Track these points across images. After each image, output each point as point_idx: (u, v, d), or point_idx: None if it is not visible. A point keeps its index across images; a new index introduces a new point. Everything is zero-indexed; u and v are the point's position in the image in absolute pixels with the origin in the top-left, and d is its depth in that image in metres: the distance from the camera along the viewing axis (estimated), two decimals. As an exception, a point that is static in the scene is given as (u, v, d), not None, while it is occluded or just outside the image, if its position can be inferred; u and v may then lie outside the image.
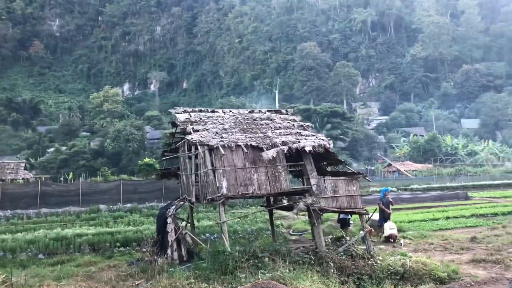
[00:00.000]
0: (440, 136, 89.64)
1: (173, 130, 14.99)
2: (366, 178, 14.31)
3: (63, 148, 77.20)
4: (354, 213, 14.31)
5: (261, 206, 18.58)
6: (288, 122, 14.93)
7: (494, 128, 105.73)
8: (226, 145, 12.64)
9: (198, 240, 14.92)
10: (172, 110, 14.70)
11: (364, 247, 14.29)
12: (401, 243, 16.63)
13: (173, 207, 14.85)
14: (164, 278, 10.94)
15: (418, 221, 22.13)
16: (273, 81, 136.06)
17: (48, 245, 16.46)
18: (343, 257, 12.98)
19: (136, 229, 18.71)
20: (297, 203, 13.12)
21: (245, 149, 12.63)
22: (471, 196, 35.18)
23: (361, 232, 18.04)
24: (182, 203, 15.21)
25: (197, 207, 24.31)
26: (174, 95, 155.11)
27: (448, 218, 23.31)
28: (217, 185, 12.40)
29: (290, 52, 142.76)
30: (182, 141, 14.76)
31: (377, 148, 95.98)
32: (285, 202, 15.79)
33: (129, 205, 27.86)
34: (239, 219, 21.66)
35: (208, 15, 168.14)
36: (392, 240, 17.20)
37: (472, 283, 10.39)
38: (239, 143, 12.80)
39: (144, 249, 15.96)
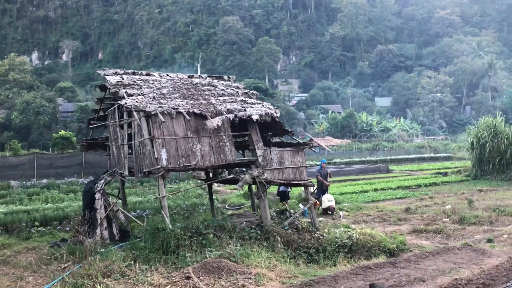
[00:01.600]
0: (356, 113, 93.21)
1: (102, 95, 13.33)
2: (312, 149, 13.79)
3: (-38, 120, 69.59)
4: (300, 185, 13.77)
5: (199, 179, 17.50)
6: (232, 89, 13.91)
7: (404, 106, 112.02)
8: (166, 112, 11.39)
9: (132, 217, 13.59)
10: (100, 72, 13.05)
11: (307, 219, 13.88)
12: (340, 215, 16.51)
13: (102, 181, 13.34)
14: (98, 260, 9.62)
15: (349, 193, 22.38)
16: (195, 55, 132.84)
17: (-51, 227, 14.24)
18: (289, 231, 12.43)
19: (56, 206, 16.84)
20: (242, 176, 12.26)
21: (187, 117, 11.47)
22: (392, 170, 36.66)
23: (301, 205, 17.74)
24: (111, 177, 13.73)
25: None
26: (88, 66, 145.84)
27: (376, 190, 23.89)
28: (156, 156, 11.17)
29: (212, 26, 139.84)
30: (112, 108, 13.19)
31: (297, 124, 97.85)
32: (225, 175, 14.91)
33: (45, 181, 25.32)
34: (170, 195, 20.43)
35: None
36: (330, 212, 17.05)
37: (426, 253, 10.27)
38: (180, 110, 11.61)
39: (68, 228, 14.38)
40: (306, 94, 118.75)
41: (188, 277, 8.44)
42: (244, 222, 12.40)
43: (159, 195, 11.41)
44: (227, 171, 15.32)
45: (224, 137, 12.09)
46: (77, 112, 71.30)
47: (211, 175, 15.11)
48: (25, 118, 66.71)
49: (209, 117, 11.78)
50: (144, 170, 11.60)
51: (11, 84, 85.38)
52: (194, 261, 9.54)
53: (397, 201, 20.34)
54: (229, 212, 17.96)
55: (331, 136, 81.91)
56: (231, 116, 11.98)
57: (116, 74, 12.77)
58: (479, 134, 28.29)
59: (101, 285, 8.23)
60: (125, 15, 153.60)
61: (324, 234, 12.39)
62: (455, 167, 34.97)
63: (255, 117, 12.09)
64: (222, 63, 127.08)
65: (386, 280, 8.25)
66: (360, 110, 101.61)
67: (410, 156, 49.14)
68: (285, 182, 13.10)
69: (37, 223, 14.71)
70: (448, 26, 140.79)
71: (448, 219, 15.24)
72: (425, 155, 50.22)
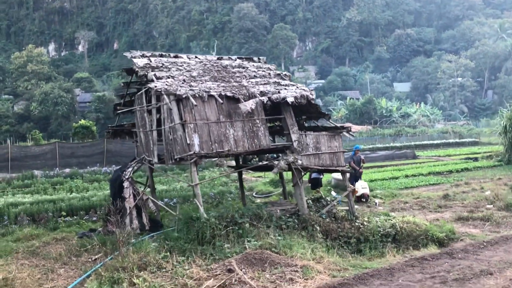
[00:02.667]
0: (375, 99, 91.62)
1: (129, 79, 12.75)
2: (350, 133, 13.05)
3: (-18, 112, 70.16)
4: (337, 171, 13.06)
5: (228, 166, 16.93)
6: (263, 71, 13.21)
7: (424, 91, 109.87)
8: (197, 95, 10.75)
9: (164, 206, 13.06)
10: (127, 54, 12.47)
11: (344, 208, 13.20)
12: (375, 203, 15.78)
13: (130, 169, 12.82)
14: (131, 252, 9.09)
15: (379, 180, 21.60)
16: (210, 43, 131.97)
17: (-24, 217, 13.92)
18: (327, 220, 11.77)
19: (81, 196, 16.45)
20: (277, 162, 11.60)
21: (219, 100, 10.82)
22: (418, 155, 35.67)
23: (334, 192, 17.06)
24: (139, 165, 13.20)
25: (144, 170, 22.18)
26: (104, 57, 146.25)
27: (407, 176, 23.07)
28: (188, 142, 10.56)
29: (227, 13, 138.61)
30: (139, 93, 12.60)
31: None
32: (256, 161, 14.28)
33: (67, 170, 25.04)
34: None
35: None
36: (364, 200, 16.34)
37: (484, 243, 9.52)
38: (212, 93, 10.96)
39: (94, 218, 13.95)
40: (323, 81, 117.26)
41: (230, 270, 7.86)
42: (280, 211, 11.77)
43: (192, 182, 10.81)
44: (257, 158, 14.70)
45: (257, 121, 11.42)
46: (94, 102, 71.35)
47: (241, 162, 14.50)
48: (43, 109, 67.07)
49: (242, 100, 11.11)
50: (176, 157, 11.01)
51: (29, 76, 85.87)
52: (233, 252, 8.95)
53: (431, 187, 19.50)
54: (258, 200, 17.36)
55: (350, 122, 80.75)
56: (264, 98, 11.29)
57: (143, 56, 12.17)
58: (513, 117, 27.11)
59: (138, 278, 7.69)
60: (139, 4, 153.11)
61: (365, 223, 11.68)
62: (485, 152, 33.82)
63: (290, 100, 11.39)
64: (238, 51, 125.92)
65: (447, 272, 7.56)
66: (379, 96, 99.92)
67: (435, 142, 47.89)
68: (322, 168, 12.38)
69: (63, 213, 14.32)
70: (468, 9, 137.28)
71: (492, 205, 14.40)
72: (450, 141, 48.92)
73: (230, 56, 13.92)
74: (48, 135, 61.40)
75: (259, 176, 24.48)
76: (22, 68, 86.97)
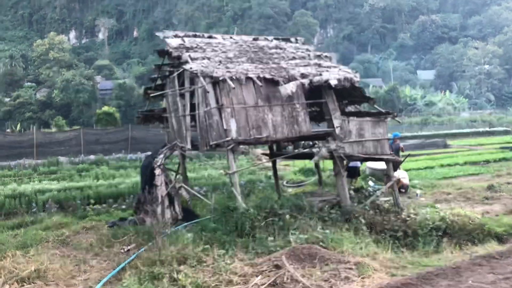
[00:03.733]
0: (399, 87, 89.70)
1: (161, 62, 12.10)
2: (396, 119, 12.23)
3: (7, 99, 70.86)
4: (382, 159, 12.27)
5: (262, 154, 16.26)
6: (303, 52, 12.44)
7: (449, 79, 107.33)
8: (234, 77, 10.05)
9: (198, 194, 12.47)
10: (159, 34, 11.83)
11: (386, 198, 12.42)
12: (416, 194, 14.94)
13: (162, 156, 12.22)
14: (168, 243, 8.52)
15: (414, 170, 20.65)
16: (230, 30, 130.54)
17: (4, 204, 13.54)
18: (371, 212, 11.02)
19: (108, 183, 16.00)
20: (318, 150, 10.87)
21: (258, 82, 10.10)
22: (449, 144, 34.48)
23: (371, 182, 16.27)
24: (171, 151, 12.61)
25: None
26: (124, 44, 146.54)
27: (442, 165, 22.07)
28: (225, 127, 9.91)
29: (247, 0, 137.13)
30: (171, 76, 11.96)
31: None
32: (290, 148, 13.57)
33: (92, 157, 24.74)
34: (221, 171, 19.29)
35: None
36: (403, 190, 15.47)
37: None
38: (250, 75, 10.25)
39: (124, 206, 13.46)
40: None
41: (278, 266, 7.21)
42: (320, 202, 11.07)
43: (229, 170, 10.15)
44: (292, 145, 13.98)
45: (297, 105, 10.70)
46: (115, 90, 71.41)
47: (275, 149, 13.80)
48: (65, 96, 67.39)
49: (282, 83, 10.38)
50: (211, 143, 10.38)
51: (51, 63, 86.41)
52: (277, 246, 8.30)
53: (471, 177, 18.54)
54: (290, 190, 16.69)
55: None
56: (306, 81, 10.55)
57: (176, 36, 11.50)
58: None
59: (179, 274, 7.09)
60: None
61: (411, 215, 10.88)
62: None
63: (333, 82, 10.61)
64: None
65: (524, 274, 6.77)
66: (403, 84, 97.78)
67: (465, 131, 46.40)
68: (366, 156, 11.60)
69: (92, 201, 13.87)
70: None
71: (544, 198, 13.45)
72: (480, 129, 47.36)
73: (266, 37, 13.17)
74: (70, 122, 61.65)
75: (286, 165, 23.76)
76: (44, 55, 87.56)
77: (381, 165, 16.19)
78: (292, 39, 13.54)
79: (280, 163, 24.31)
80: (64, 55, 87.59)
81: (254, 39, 12.70)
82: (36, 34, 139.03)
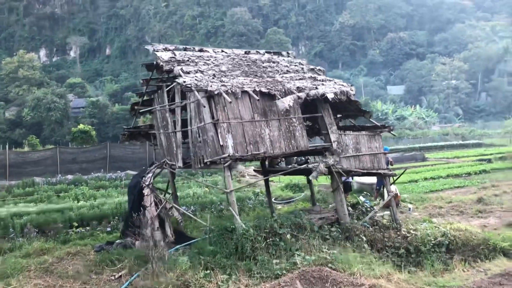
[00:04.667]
0: (370, 102, 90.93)
1: (149, 76, 11.58)
2: (392, 132, 12.03)
3: (-27, 118, 68.27)
4: (380, 174, 12.00)
5: (255, 170, 15.79)
6: (296, 65, 12.15)
7: (418, 94, 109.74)
8: (230, 91, 9.65)
9: (191, 215, 11.88)
10: (149, 47, 11.30)
11: (384, 213, 12.16)
12: (409, 208, 14.75)
13: (150, 174, 11.64)
14: (165, 269, 7.94)
15: (398, 184, 20.49)
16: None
17: (-22, 230, 12.61)
18: (370, 229, 10.71)
19: (90, 204, 15.19)
20: (316, 165, 10.51)
21: (255, 96, 9.72)
22: (427, 158, 34.82)
23: (362, 197, 15.99)
24: (160, 169, 12.03)
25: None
26: (96, 62, 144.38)
27: (426, 179, 22.11)
28: (221, 143, 9.46)
29: (220, 18, 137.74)
30: (160, 90, 11.47)
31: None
32: (283, 164, 13.19)
33: (70, 176, 23.69)
34: (206, 188, 18.73)
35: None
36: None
37: None
38: (246, 89, 9.86)
39: (109, 229, 12.76)
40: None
41: (289, 290, 6.74)
42: (319, 219, 10.68)
43: (226, 188, 9.67)
44: (284, 161, 13.60)
45: (294, 120, 10.36)
46: (88, 108, 69.90)
47: (267, 165, 13.39)
48: (36, 114, 65.39)
49: (278, 97, 10.03)
50: (206, 160, 9.89)
51: (21, 81, 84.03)
52: (283, 269, 7.83)
53: (457, 190, 18.57)
54: (279, 207, 16.28)
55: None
56: (303, 94, 10.23)
57: (166, 50, 11.04)
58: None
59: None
60: (131, 9, 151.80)
61: (411, 231, 10.63)
62: (496, 153, 33.05)
63: (330, 96, 10.34)
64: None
65: (545, 290, 6.53)
66: (373, 99, 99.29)
67: (439, 144, 47.17)
68: (363, 171, 11.32)
69: (75, 224, 13.06)
70: (460, 12, 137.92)
71: (536, 209, 13.45)
72: (454, 142, 48.25)
73: (257, 50, 12.85)
74: (42, 141, 59.67)
75: (271, 180, 23.35)
76: (13, 73, 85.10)
77: (369, 179, 16.00)
78: (284, 53, 13.27)
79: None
80: (34, 73, 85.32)
81: (246, 53, 12.37)
82: (4, 52, 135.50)
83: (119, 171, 24.20)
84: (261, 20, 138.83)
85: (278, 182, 22.02)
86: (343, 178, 14.95)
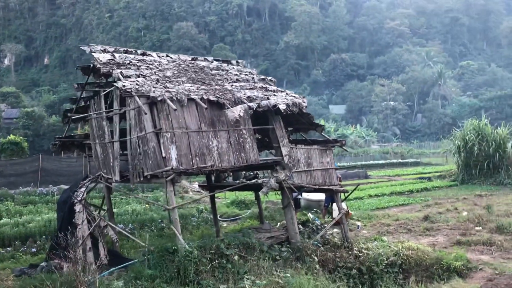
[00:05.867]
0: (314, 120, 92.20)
1: (85, 80, 10.49)
2: (343, 147, 11.63)
3: None
4: (331, 190, 11.53)
5: (200, 185, 14.83)
6: (246, 74, 11.53)
7: (358, 114, 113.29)
8: (175, 98, 8.83)
9: (128, 234, 10.77)
10: (85, 48, 10.28)
11: (334, 231, 11.68)
12: (357, 226, 14.40)
13: (83, 189, 10.50)
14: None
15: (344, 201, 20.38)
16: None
17: None
18: (321, 248, 10.16)
19: (14, 222, 13.65)
20: (266, 180, 9.86)
21: (202, 104, 8.95)
22: (370, 175, 35.30)
23: (310, 215, 15.52)
24: (94, 183, 10.91)
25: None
26: (33, 71, 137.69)
27: (370, 196, 22.13)
28: (163, 154, 8.58)
29: (165, 31, 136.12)
30: (96, 96, 10.44)
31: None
32: (230, 179, 12.46)
33: (-6, 191, 21.56)
34: (147, 205, 17.57)
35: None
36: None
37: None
38: (192, 96, 9.09)
39: (34, 250, 11.41)
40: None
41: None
42: (268, 238, 10.00)
43: (168, 204, 8.77)
44: (231, 176, 12.86)
45: (244, 131, 9.68)
46: (22, 118, 65.83)
47: (213, 180, 12.59)
48: (-37, 124, 60.77)
49: (228, 106, 9.34)
50: (146, 174, 8.96)
51: None
52: (232, 294, 7.04)
53: (402, 208, 18.60)
54: (225, 225, 15.46)
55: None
56: (253, 105, 9.59)
57: (105, 51, 10.06)
58: (466, 137, 27.21)
59: None
60: (73, 19, 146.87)
61: (364, 250, 10.18)
62: (435, 172, 34.06)
63: (282, 107, 9.77)
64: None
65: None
66: (317, 118, 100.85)
67: (380, 162, 48.29)
68: (314, 187, 10.79)
69: (-7, 244, 11.58)
70: (397, 37, 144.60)
71: (480, 228, 13.49)
72: (394, 161, 49.66)
73: (205, 57, 12.12)
74: (-33, 153, 55.28)
75: (216, 197, 22.48)
76: None
77: (317, 196, 15.60)
78: (233, 62, 12.63)
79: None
80: (-39, 81, 79.63)
81: (193, 59, 11.61)
82: None
83: (51, 186, 22.39)
84: (208, 35, 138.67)
85: (223, 198, 21.21)
86: (294, 194, 14.49)
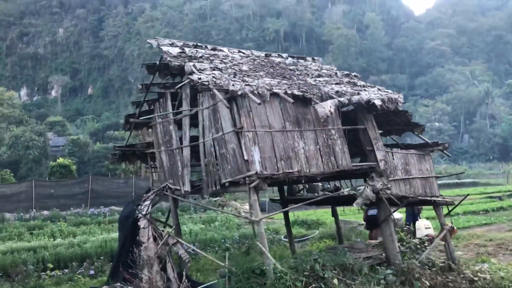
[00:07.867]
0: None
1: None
2: (445, 152, 10.07)
3: None
4: (431, 203, 9.90)
5: (272, 200, 13.38)
6: (328, 70, 10.21)
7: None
8: (256, 93, 7.55)
9: (205, 254, 9.42)
10: (152, 41, 9.21)
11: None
12: (449, 246, 12.52)
13: (148, 202, 9.30)
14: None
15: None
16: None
17: None
18: (427, 271, 8.48)
19: (68, 242, 12.64)
20: (361, 190, 8.36)
21: (288, 99, 7.62)
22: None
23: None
24: (160, 196, 9.70)
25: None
26: (78, 101, 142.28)
27: (445, 215, 20.08)
28: (245, 157, 7.24)
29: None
30: (160, 99, 9.34)
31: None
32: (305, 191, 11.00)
33: (46, 212, 20.97)
34: (203, 225, 16.31)
35: (116, 19, 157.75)
36: (428, 243, 13.04)
37: None
38: (275, 90, 7.79)
39: (92, 272, 10.26)
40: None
41: None
42: (365, 259, 8.43)
43: (252, 216, 7.38)
44: (306, 187, 11.37)
45: (333, 132, 8.27)
46: (68, 146, 67.26)
47: (286, 191, 11.17)
48: (13, 153, 62.41)
49: (316, 101, 7.98)
50: (224, 181, 7.64)
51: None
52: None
53: (487, 227, 16.70)
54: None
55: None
56: (344, 100, 8.18)
57: (173, 45, 8.98)
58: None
59: None
60: (115, 50, 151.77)
61: (479, 274, 8.44)
62: (504, 191, 31.66)
63: (378, 103, 8.32)
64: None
65: None
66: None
67: (439, 182, 45.75)
68: (414, 198, 9.16)
69: (49, 265, 10.50)
70: (438, 57, 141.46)
71: None
72: (450, 181, 47.13)
73: (279, 54, 10.91)
74: (17, 179, 56.42)
75: (271, 217, 21.02)
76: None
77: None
78: (308, 58, 11.35)
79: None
80: (13, 111, 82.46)
81: (266, 55, 10.40)
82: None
83: (102, 206, 21.65)
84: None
85: (276, 218, 19.70)
86: (370, 211, 12.80)
